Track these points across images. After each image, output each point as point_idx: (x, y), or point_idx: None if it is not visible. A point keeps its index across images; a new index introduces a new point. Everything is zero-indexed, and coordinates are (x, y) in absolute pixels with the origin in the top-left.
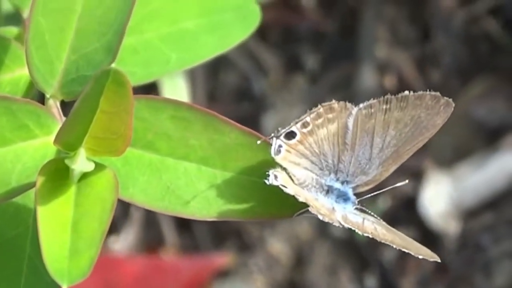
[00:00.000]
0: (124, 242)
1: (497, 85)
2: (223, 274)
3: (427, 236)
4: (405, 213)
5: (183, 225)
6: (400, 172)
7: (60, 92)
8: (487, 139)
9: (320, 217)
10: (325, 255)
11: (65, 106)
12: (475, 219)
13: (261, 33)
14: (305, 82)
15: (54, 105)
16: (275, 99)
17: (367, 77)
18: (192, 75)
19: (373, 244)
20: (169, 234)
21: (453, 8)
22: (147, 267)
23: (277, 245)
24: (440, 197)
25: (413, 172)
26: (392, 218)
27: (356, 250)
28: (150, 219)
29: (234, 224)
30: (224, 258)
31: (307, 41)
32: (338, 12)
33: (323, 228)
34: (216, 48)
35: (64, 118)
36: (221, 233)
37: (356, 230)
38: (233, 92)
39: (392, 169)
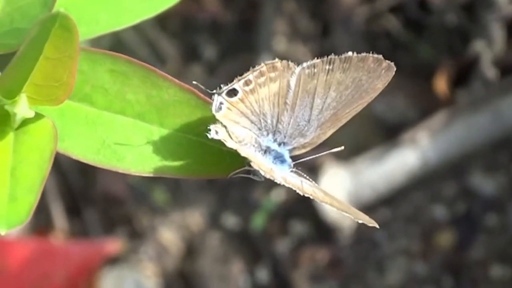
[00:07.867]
0: None
1: (397, 82)
2: (113, 260)
3: (322, 230)
4: (300, 206)
5: (73, 210)
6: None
7: None
8: (386, 134)
9: (262, 173)
10: (217, 246)
11: None
12: (371, 215)
13: (161, 22)
14: (203, 72)
15: None
16: None
17: None
18: None
19: (266, 236)
20: (59, 218)
21: (354, 4)
22: (37, 251)
23: (168, 234)
24: (336, 191)
25: (310, 164)
26: (287, 211)
27: (249, 242)
28: (40, 203)
29: (125, 211)
30: (114, 245)
31: (206, 32)
32: (238, 4)
33: (214, 219)
34: (147, 11)
35: None
36: (112, 219)
37: (297, 191)
38: None
39: (330, 132)
